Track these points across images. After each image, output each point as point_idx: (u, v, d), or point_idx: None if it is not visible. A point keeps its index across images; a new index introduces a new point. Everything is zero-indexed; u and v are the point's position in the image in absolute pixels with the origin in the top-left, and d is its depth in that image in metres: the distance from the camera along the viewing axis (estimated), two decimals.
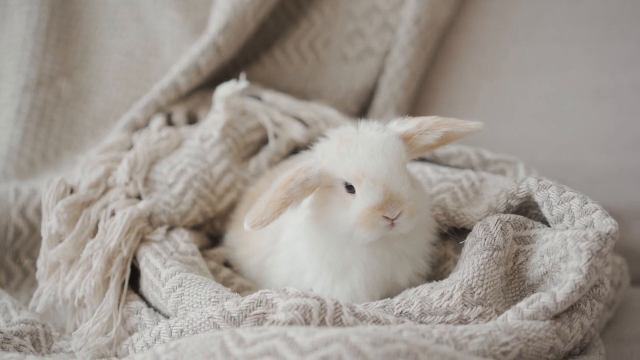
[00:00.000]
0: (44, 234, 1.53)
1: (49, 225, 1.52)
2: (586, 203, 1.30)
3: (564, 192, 1.32)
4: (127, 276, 1.49)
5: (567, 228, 1.30)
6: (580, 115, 1.86)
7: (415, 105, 1.95)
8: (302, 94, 1.91)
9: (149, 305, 1.46)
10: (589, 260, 1.22)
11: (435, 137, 1.33)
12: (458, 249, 1.47)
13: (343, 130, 1.37)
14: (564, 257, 1.25)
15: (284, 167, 1.61)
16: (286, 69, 1.95)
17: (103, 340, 1.42)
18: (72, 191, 1.57)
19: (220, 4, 1.86)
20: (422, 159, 1.63)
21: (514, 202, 1.38)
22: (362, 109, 1.96)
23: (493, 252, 1.30)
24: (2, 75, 2.07)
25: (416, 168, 1.58)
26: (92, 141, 2.03)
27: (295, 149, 1.72)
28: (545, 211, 1.34)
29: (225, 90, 1.69)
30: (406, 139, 1.34)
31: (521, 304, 1.23)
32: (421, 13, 1.88)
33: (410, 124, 1.35)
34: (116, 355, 1.41)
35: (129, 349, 1.38)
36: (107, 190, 1.59)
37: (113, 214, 1.54)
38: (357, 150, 1.31)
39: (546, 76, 1.89)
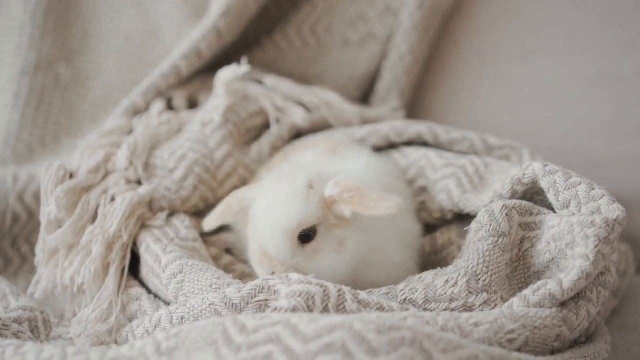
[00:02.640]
0: (43, 219, 1.51)
1: (48, 210, 1.50)
2: (593, 189, 1.28)
3: (571, 177, 1.30)
4: (127, 262, 1.48)
5: (574, 214, 1.28)
6: (583, 101, 1.85)
7: (418, 90, 1.93)
8: (303, 79, 1.89)
9: (149, 291, 1.44)
10: (596, 246, 1.20)
11: (347, 211, 1.32)
12: (462, 235, 1.46)
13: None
14: (570, 244, 1.23)
15: (285, 153, 1.59)
16: (287, 53, 1.93)
17: (103, 327, 1.40)
18: (71, 176, 1.55)
19: None
20: (426, 144, 1.61)
21: (520, 188, 1.36)
22: (364, 94, 1.94)
23: (498, 239, 1.29)
24: (1, 60, 2.05)
25: (420, 153, 1.56)
26: (91, 126, 2.01)
27: (298, 134, 1.71)
28: (551, 197, 1.32)
29: (226, 74, 1.67)
30: (329, 203, 1.33)
31: (527, 291, 1.22)
32: None
33: (334, 190, 1.33)
34: (116, 342, 1.39)
35: (128, 335, 1.37)
36: (107, 175, 1.57)
37: (113, 199, 1.52)
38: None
39: (549, 61, 1.87)
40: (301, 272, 1.28)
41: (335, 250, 1.34)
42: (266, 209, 1.34)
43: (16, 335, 1.33)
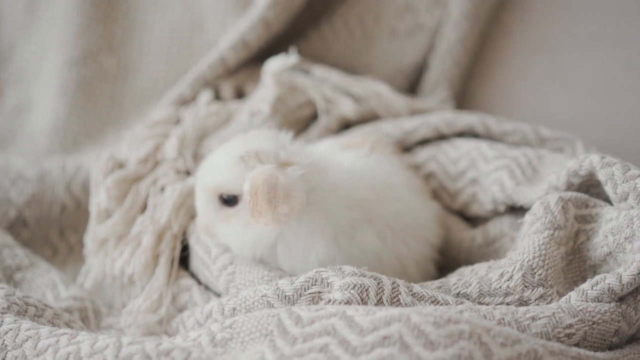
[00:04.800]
0: (93, 209, 1.51)
1: (98, 200, 1.50)
2: None
3: (629, 170, 1.28)
4: (177, 253, 1.47)
5: (632, 207, 1.26)
6: (636, 92, 1.81)
7: (467, 81, 1.91)
8: (349, 70, 1.88)
9: (199, 283, 1.44)
10: None
11: None
12: (514, 227, 1.44)
13: None
14: (629, 237, 1.21)
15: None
16: (333, 44, 1.91)
17: (153, 317, 1.40)
18: (120, 166, 1.56)
19: None
20: (476, 136, 1.60)
21: (576, 180, 1.34)
22: (412, 85, 1.92)
23: (554, 232, 1.27)
24: (46, 50, 2.05)
25: (471, 145, 1.55)
26: (135, 117, 2.01)
27: (347, 125, 1.69)
28: (608, 189, 1.29)
29: (274, 65, 1.66)
30: None
31: (585, 285, 1.20)
32: None
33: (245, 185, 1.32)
34: (166, 333, 1.39)
35: (179, 326, 1.37)
36: (155, 165, 1.57)
37: (162, 189, 1.52)
38: None
39: (601, 52, 1.84)
40: (210, 235, 1.38)
41: (242, 225, 1.35)
42: (201, 166, 1.40)
43: (68, 324, 1.33)
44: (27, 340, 1.18)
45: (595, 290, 1.19)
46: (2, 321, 1.22)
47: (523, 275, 1.24)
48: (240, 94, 1.79)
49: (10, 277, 1.50)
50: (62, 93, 1.99)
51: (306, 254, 1.36)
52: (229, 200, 1.35)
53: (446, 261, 1.54)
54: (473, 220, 1.57)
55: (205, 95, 1.73)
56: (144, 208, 1.51)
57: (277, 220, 1.27)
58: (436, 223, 1.47)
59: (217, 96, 1.77)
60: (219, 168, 1.36)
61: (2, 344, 1.19)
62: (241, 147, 1.35)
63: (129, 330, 1.40)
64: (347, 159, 1.43)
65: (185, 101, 1.76)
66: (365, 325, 1.04)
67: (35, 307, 1.32)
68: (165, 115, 1.69)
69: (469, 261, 1.48)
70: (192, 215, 1.50)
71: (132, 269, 1.44)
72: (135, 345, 1.11)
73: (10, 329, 1.20)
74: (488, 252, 1.47)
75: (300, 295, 1.21)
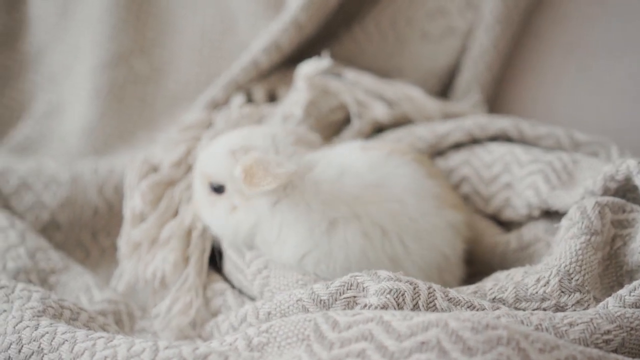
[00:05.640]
0: (127, 213, 1.51)
1: (133, 204, 1.50)
2: None
3: None
4: (206, 255, 1.48)
5: None
6: None
7: (499, 85, 1.90)
8: (381, 73, 1.87)
9: (232, 287, 1.44)
10: None
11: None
12: (549, 231, 1.43)
13: None
14: None
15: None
16: (365, 47, 1.91)
17: (184, 320, 1.41)
18: (154, 170, 1.56)
19: None
20: (509, 140, 1.59)
21: (612, 185, 1.33)
22: (444, 88, 1.91)
23: (591, 237, 1.26)
24: (79, 51, 2.06)
25: (505, 149, 1.54)
26: (166, 119, 2.02)
27: (379, 129, 1.69)
28: None
29: (307, 68, 1.66)
30: None
31: (623, 291, 1.19)
32: None
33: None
34: (200, 337, 1.40)
35: (213, 330, 1.37)
36: (189, 169, 1.57)
37: None
38: None
39: (636, 54, 1.83)
40: (199, 217, 1.47)
41: (225, 212, 1.42)
42: (202, 152, 1.50)
43: (103, 327, 1.34)
44: (63, 343, 1.18)
45: (633, 296, 1.18)
46: (38, 324, 1.23)
47: (560, 281, 1.23)
48: (272, 98, 1.79)
49: (44, 280, 1.51)
50: (95, 95, 2.00)
51: (280, 245, 1.40)
52: (217, 189, 1.42)
53: (479, 266, 1.54)
54: (506, 225, 1.56)
55: (238, 99, 1.73)
56: (177, 213, 1.51)
57: (276, 178, 1.32)
58: (450, 231, 1.44)
59: (250, 99, 1.77)
60: (212, 158, 1.44)
61: (38, 348, 1.19)
62: (237, 142, 1.43)
63: (163, 333, 1.40)
64: (345, 157, 1.43)
65: (218, 104, 1.76)
66: (403, 331, 1.04)
67: (71, 310, 1.32)
68: (197, 118, 1.69)
69: (503, 266, 1.47)
70: None
71: (162, 272, 1.45)
72: (172, 349, 1.11)
73: (47, 332, 1.21)
74: (522, 256, 1.46)
75: (336, 300, 1.21)
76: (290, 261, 1.38)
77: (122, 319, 1.45)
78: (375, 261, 1.38)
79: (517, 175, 1.50)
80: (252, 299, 1.39)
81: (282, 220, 1.39)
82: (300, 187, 1.38)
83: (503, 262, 1.50)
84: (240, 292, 1.42)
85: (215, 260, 1.49)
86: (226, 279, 1.46)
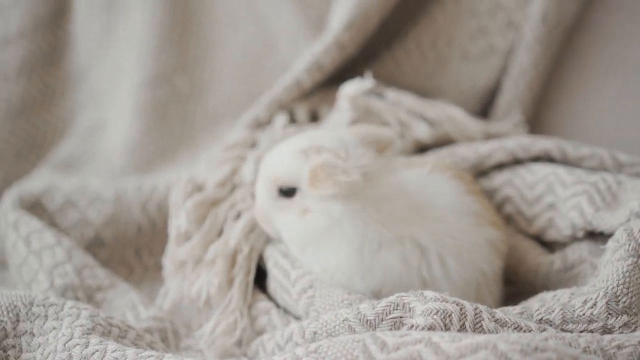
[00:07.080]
0: (172, 231, 1.53)
1: (178, 223, 1.52)
2: None
3: None
4: (251, 277, 1.48)
5: None
6: None
7: (540, 104, 1.90)
8: (421, 92, 1.88)
9: (277, 306, 1.45)
10: None
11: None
12: (594, 253, 1.43)
13: None
14: None
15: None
16: (406, 66, 1.92)
17: (229, 339, 1.42)
18: (199, 189, 1.57)
19: (342, 0, 1.84)
20: (552, 160, 1.59)
21: None
22: (484, 108, 1.91)
23: (638, 259, 1.25)
24: (122, 70, 2.08)
25: (548, 170, 1.54)
26: (207, 137, 2.03)
27: (422, 149, 1.70)
28: None
29: (350, 88, 1.67)
30: None
31: None
32: (548, 10, 1.83)
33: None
34: (245, 355, 1.41)
35: (259, 349, 1.38)
36: (233, 189, 1.58)
37: (239, 215, 1.53)
38: None
39: None
40: (267, 223, 1.43)
41: (296, 215, 1.39)
42: (266, 156, 1.46)
43: (150, 345, 1.35)
44: None
45: None
46: (88, 342, 1.24)
47: (607, 303, 1.23)
48: (314, 117, 1.80)
49: (91, 297, 1.52)
50: (137, 113, 2.02)
51: (328, 257, 1.39)
52: (287, 192, 1.39)
53: (520, 286, 1.54)
54: (550, 245, 1.56)
55: (281, 119, 1.74)
56: (221, 232, 1.52)
57: (336, 184, 1.31)
58: (488, 248, 1.44)
59: (292, 119, 1.78)
60: (280, 159, 1.41)
61: None
62: (305, 142, 1.40)
63: (209, 352, 1.41)
64: (401, 176, 1.44)
65: (261, 124, 1.76)
66: (452, 352, 1.04)
67: (119, 328, 1.33)
68: (241, 137, 1.70)
69: (547, 286, 1.47)
70: (267, 240, 1.51)
71: (207, 292, 1.46)
72: None
73: (97, 350, 1.22)
74: (567, 277, 1.46)
75: (382, 320, 1.22)
76: (325, 265, 1.39)
77: (168, 337, 1.46)
78: (408, 283, 1.38)
79: (560, 196, 1.50)
80: (297, 318, 1.40)
81: (339, 232, 1.37)
82: (362, 200, 1.36)
83: (546, 283, 1.49)
84: (286, 311, 1.43)
85: (260, 279, 1.49)
86: (271, 298, 1.47)
